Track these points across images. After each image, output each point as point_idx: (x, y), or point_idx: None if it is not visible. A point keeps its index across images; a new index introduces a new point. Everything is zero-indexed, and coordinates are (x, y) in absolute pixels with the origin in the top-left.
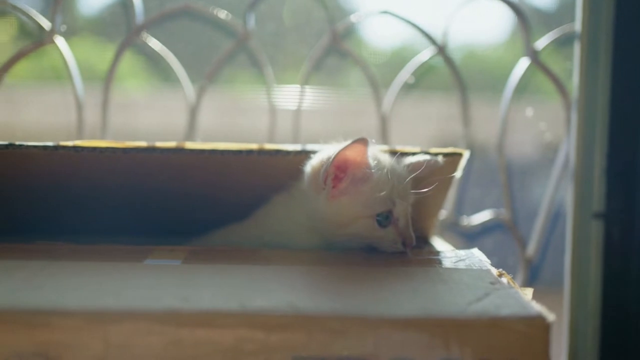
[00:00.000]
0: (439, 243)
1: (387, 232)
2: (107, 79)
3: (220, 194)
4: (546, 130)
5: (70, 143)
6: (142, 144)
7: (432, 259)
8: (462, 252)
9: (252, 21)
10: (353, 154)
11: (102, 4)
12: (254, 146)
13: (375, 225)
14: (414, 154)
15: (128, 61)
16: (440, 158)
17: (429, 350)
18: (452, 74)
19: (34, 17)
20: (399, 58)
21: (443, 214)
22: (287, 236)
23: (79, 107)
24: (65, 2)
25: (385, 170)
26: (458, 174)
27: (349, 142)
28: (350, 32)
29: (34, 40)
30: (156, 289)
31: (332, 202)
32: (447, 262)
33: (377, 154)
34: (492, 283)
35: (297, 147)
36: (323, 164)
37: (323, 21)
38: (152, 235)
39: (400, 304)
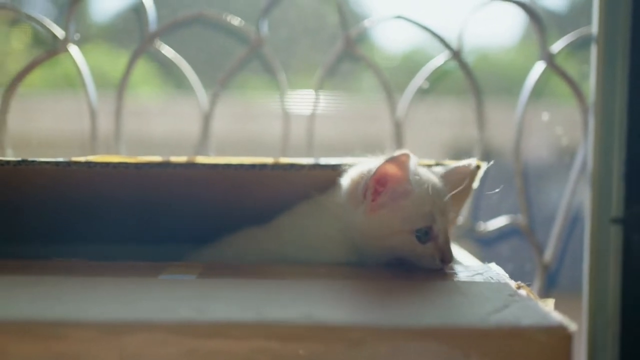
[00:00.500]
0: (456, 251)
1: (426, 248)
2: (121, 87)
3: (233, 208)
4: (563, 134)
5: (82, 159)
6: (155, 158)
7: (449, 272)
8: (479, 266)
9: (265, 27)
10: (394, 169)
11: (116, 11)
12: (268, 160)
13: (414, 240)
14: (429, 166)
15: (141, 68)
16: (473, 162)
17: None
18: (467, 78)
19: (47, 25)
20: (412, 62)
21: (459, 219)
22: (312, 247)
23: (93, 115)
24: (79, 10)
25: (426, 186)
26: (475, 184)
27: (390, 155)
28: (363, 37)
29: (48, 49)
30: (171, 301)
31: (370, 216)
32: (464, 276)
33: (418, 168)
34: (511, 295)
35: (310, 161)
36: (363, 177)
37: (336, 26)
38: (164, 246)
39: (418, 314)
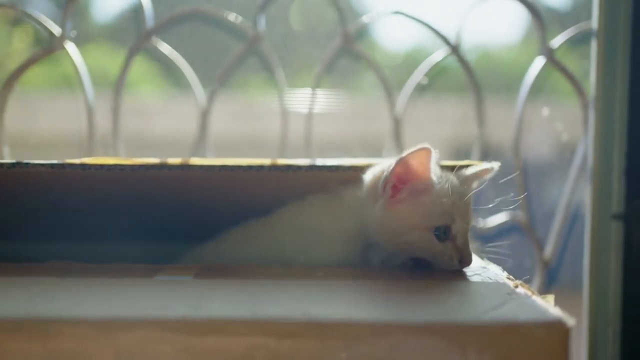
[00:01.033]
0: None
1: (445, 247)
2: (118, 84)
3: (230, 210)
4: (563, 130)
5: (77, 161)
6: (151, 160)
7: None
8: (477, 266)
9: (262, 23)
10: (415, 164)
11: (117, 10)
12: (265, 162)
13: (432, 238)
14: (452, 167)
15: (142, 67)
16: (495, 165)
17: (446, 356)
18: (466, 75)
19: (44, 23)
20: (413, 60)
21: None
22: (322, 238)
23: (90, 113)
24: (79, 9)
25: (447, 184)
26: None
27: (411, 150)
28: (362, 33)
29: (44, 47)
30: (166, 299)
31: (389, 211)
32: (462, 275)
33: (439, 166)
34: (509, 293)
35: (307, 162)
36: (384, 171)
37: (335, 23)
38: (160, 248)
39: (415, 311)
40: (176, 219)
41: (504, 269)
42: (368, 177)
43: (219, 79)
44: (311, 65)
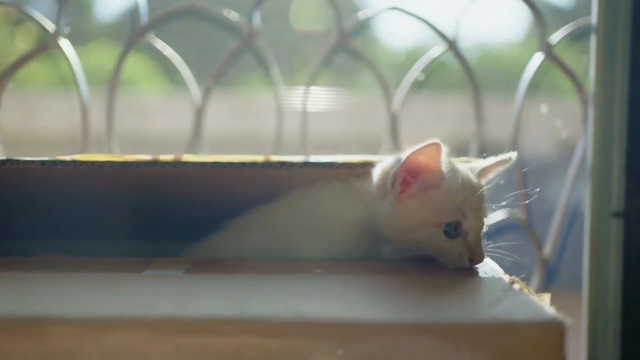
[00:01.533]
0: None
1: (454, 244)
2: (113, 82)
3: (223, 207)
4: (562, 127)
5: (68, 158)
6: (143, 157)
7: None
8: None
9: (257, 19)
10: (425, 158)
11: (118, 9)
12: (258, 158)
13: (441, 234)
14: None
15: (142, 65)
16: (513, 156)
17: (440, 356)
18: (463, 70)
19: (38, 20)
20: (414, 58)
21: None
22: (326, 226)
23: (84, 110)
24: (81, 8)
25: (458, 179)
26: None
27: (420, 145)
28: (359, 29)
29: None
30: (154, 296)
31: (398, 206)
32: (459, 272)
33: (451, 161)
34: (504, 290)
35: (301, 159)
36: (393, 167)
37: (332, 19)
38: (152, 244)
39: (408, 309)
40: (168, 216)
41: (502, 267)
42: (377, 172)
43: (213, 75)
44: (308, 62)
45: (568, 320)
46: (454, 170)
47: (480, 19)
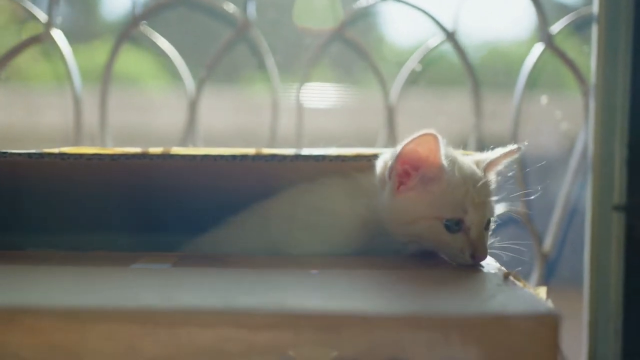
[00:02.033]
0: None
1: (455, 238)
2: (105, 75)
3: (213, 200)
4: (563, 119)
5: (56, 150)
6: (132, 150)
7: (437, 261)
8: None
9: (252, 9)
10: (424, 150)
11: (124, 8)
12: (249, 151)
13: (442, 228)
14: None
15: (144, 62)
16: (520, 145)
17: (428, 349)
18: (462, 62)
19: (30, 9)
20: (425, 58)
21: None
22: (328, 223)
23: (77, 104)
24: (87, 7)
25: (459, 173)
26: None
27: (414, 135)
28: (363, 25)
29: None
30: (139, 289)
31: (397, 198)
32: (452, 265)
33: (452, 153)
34: (499, 284)
35: (293, 151)
36: (391, 158)
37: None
38: (141, 237)
39: (398, 302)
40: (159, 210)
41: (502, 262)
42: (379, 164)
43: (207, 66)
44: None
45: (562, 314)
46: (455, 163)
47: (486, 15)
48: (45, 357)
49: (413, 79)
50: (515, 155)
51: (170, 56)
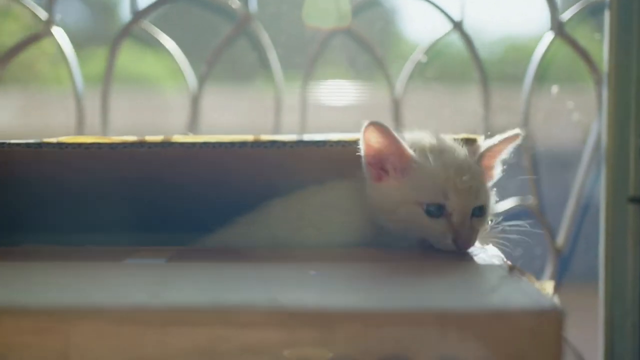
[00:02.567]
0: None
1: (437, 223)
2: (107, 73)
3: (213, 188)
4: (576, 110)
5: (54, 140)
6: (130, 138)
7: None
8: (474, 247)
9: (254, 2)
10: (373, 141)
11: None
12: (248, 138)
13: (421, 213)
14: (468, 139)
15: (153, 61)
16: (519, 131)
17: (427, 345)
18: (469, 52)
19: (30, 8)
20: (436, 52)
21: None
22: (331, 228)
23: (78, 102)
24: (109, 10)
25: (439, 160)
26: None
27: (362, 128)
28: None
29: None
30: (129, 286)
31: (376, 186)
32: (456, 258)
33: (431, 139)
34: (502, 278)
35: (293, 137)
36: None
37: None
38: (143, 231)
39: (395, 297)
40: (158, 199)
41: (512, 257)
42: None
43: (208, 62)
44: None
45: (569, 309)
46: (432, 150)
47: (502, 10)
48: (29, 357)
49: (427, 74)
50: (516, 142)
51: (172, 52)
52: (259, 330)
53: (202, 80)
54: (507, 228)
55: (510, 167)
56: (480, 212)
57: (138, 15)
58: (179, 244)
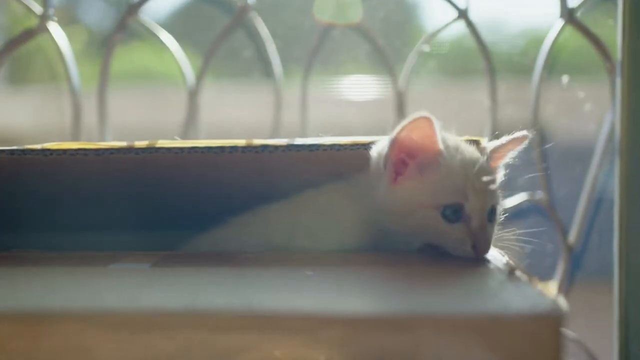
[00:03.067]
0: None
1: (454, 228)
2: (103, 70)
3: (204, 193)
4: (587, 100)
5: (38, 146)
6: (117, 144)
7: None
8: None
9: None
10: (419, 136)
11: (172, 9)
12: (239, 142)
13: (438, 217)
14: (475, 141)
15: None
16: (526, 132)
17: (423, 350)
18: (476, 42)
19: (24, 2)
20: (462, 48)
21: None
22: (329, 232)
23: (75, 100)
24: (130, 8)
25: (459, 157)
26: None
27: (407, 120)
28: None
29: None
30: (106, 290)
31: (393, 188)
32: (455, 261)
33: (450, 137)
34: (501, 281)
35: (285, 141)
36: (385, 147)
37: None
38: (131, 237)
39: (383, 301)
40: (146, 205)
41: (522, 255)
42: (373, 154)
43: (207, 55)
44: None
45: (565, 313)
46: (453, 148)
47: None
48: None
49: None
50: (524, 143)
51: (170, 46)
52: (234, 334)
53: (201, 74)
54: (519, 235)
55: (519, 161)
56: (492, 215)
57: (134, 6)
58: (167, 249)
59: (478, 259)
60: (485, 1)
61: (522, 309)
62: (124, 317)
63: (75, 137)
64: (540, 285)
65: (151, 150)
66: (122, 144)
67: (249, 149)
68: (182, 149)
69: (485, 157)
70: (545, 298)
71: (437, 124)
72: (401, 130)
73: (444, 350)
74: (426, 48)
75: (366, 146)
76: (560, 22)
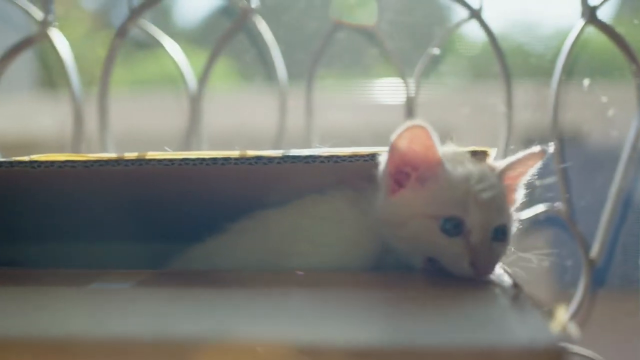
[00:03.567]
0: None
1: (452, 242)
2: (104, 75)
3: (197, 207)
4: (612, 105)
5: (26, 158)
6: (107, 155)
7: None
8: None
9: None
10: (415, 145)
11: (201, 13)
12: (232, 154)
13: (436, 229)
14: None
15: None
16: (545, 147)
17: None
18: (490, 43)
19: (25, 8)
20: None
21: None
22: (329, 241)
23: (76, 107)
24: (162, 12)
25: (462, 170)
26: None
27: (401, 129)
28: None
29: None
30: (71, 314)
31: (391, 199)
32: (456, 282)
33: (454, 149)
34: (505, 307)
35: (280, 153)
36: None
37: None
38: (116, 247)
39: (375, 332)
40: (136, 218)
41: (542, 269)
42: (380, 165)
43: (209, 59)
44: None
45: (574, 340)
46: (455, 160)
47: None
48: None
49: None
50: (540, 160)
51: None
52: None
53: (202, 79)
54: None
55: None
56: (502, 235)
57: (135, 10)
58: (158, 262)
59: (481, 280)
60: (517, 1)
61: (521, 341)
62: (83, 344)
63: (75, 146)
64: (548, 311)
65: (141, 162)
66: (112, 155)
67: (242, 160)
68: (172, 161)
69: (493, 172)
70: (548, 329)
71: (432, 132)
72: (397, 140)
73: None
74: (436, 51)
75: (366, 158)
76: (581, 22)
